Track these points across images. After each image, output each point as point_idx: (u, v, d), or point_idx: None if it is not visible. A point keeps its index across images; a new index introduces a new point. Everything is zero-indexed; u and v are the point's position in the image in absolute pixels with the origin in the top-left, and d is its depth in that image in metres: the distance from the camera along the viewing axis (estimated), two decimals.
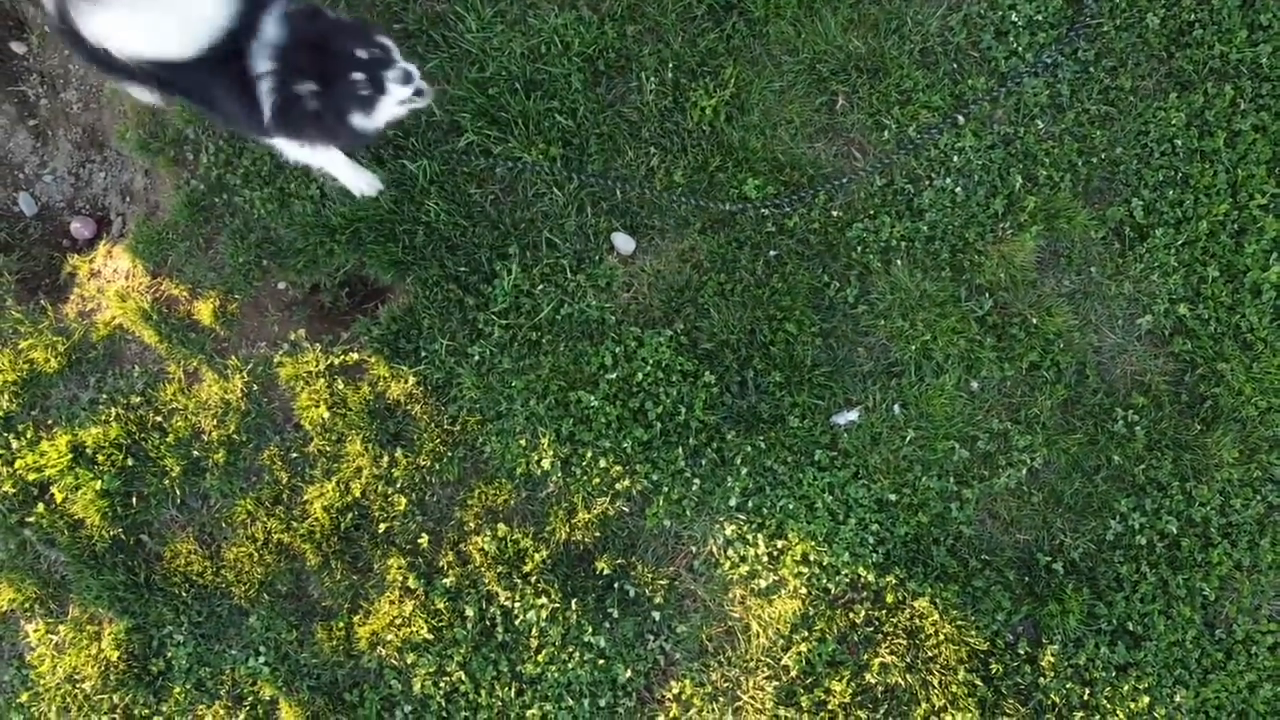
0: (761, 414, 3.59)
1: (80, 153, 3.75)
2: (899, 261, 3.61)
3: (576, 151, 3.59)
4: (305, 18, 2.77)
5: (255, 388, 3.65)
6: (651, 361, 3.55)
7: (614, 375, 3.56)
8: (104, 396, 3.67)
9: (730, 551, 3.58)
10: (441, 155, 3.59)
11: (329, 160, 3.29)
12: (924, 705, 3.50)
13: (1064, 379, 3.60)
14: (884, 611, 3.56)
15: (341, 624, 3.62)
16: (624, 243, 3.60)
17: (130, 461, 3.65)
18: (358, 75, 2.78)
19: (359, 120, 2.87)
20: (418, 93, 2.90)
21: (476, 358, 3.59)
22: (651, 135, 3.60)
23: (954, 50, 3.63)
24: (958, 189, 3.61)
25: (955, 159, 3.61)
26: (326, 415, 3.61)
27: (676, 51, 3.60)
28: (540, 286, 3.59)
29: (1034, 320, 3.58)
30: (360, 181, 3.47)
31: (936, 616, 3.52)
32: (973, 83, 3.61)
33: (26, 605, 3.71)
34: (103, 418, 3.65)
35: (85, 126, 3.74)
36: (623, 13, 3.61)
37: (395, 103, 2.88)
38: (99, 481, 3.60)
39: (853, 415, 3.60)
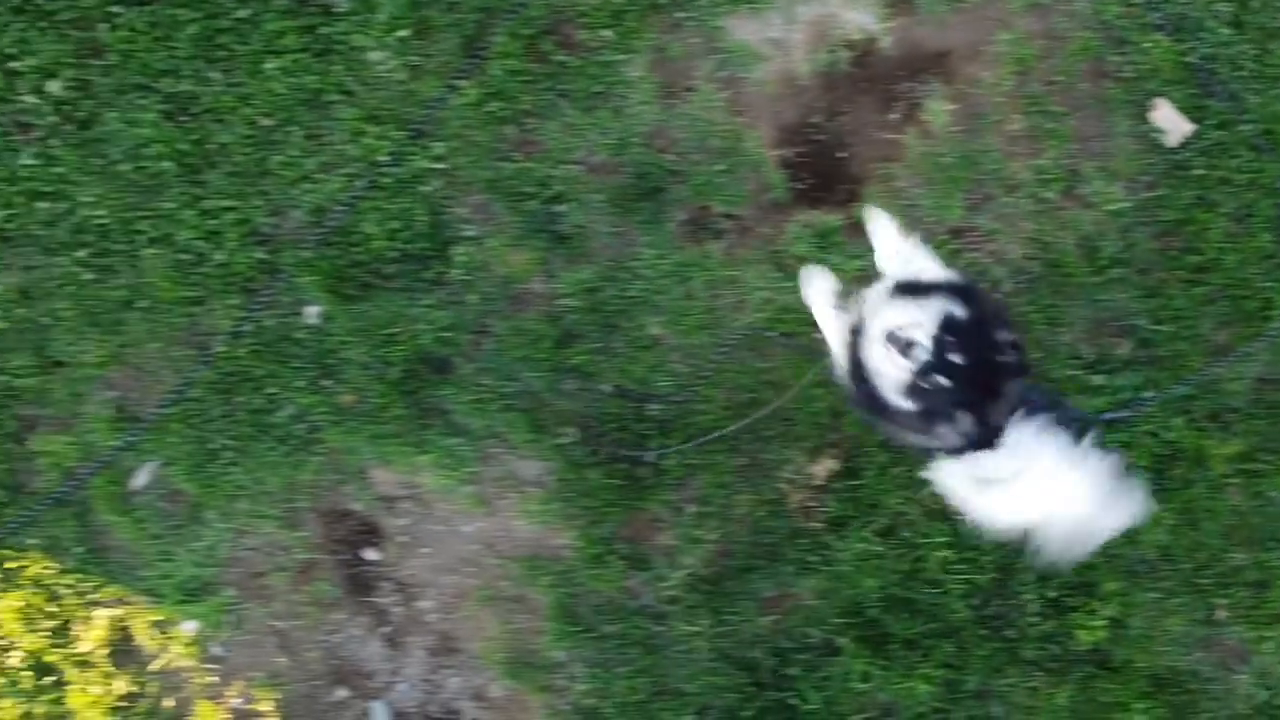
0: None
1: (434, 659, 3.68)
2: None
3: (956, 674, 3.52)
4: None
5: None
6: None
7: None
8: None
9: None
10: (821, 682, 3.52)
11: None
12: None
13: None
14: None
15: None
16: None
17: None
18: None
19: None
20: None
21: None
22: (1034, 657, 3.54)
23: None
24: None
25: None
26: None
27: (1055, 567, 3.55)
28: None
29: None
30: None
31: None
32: None
33: None
34: None
35: (440, 634, 3.67)
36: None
37: None
38: None
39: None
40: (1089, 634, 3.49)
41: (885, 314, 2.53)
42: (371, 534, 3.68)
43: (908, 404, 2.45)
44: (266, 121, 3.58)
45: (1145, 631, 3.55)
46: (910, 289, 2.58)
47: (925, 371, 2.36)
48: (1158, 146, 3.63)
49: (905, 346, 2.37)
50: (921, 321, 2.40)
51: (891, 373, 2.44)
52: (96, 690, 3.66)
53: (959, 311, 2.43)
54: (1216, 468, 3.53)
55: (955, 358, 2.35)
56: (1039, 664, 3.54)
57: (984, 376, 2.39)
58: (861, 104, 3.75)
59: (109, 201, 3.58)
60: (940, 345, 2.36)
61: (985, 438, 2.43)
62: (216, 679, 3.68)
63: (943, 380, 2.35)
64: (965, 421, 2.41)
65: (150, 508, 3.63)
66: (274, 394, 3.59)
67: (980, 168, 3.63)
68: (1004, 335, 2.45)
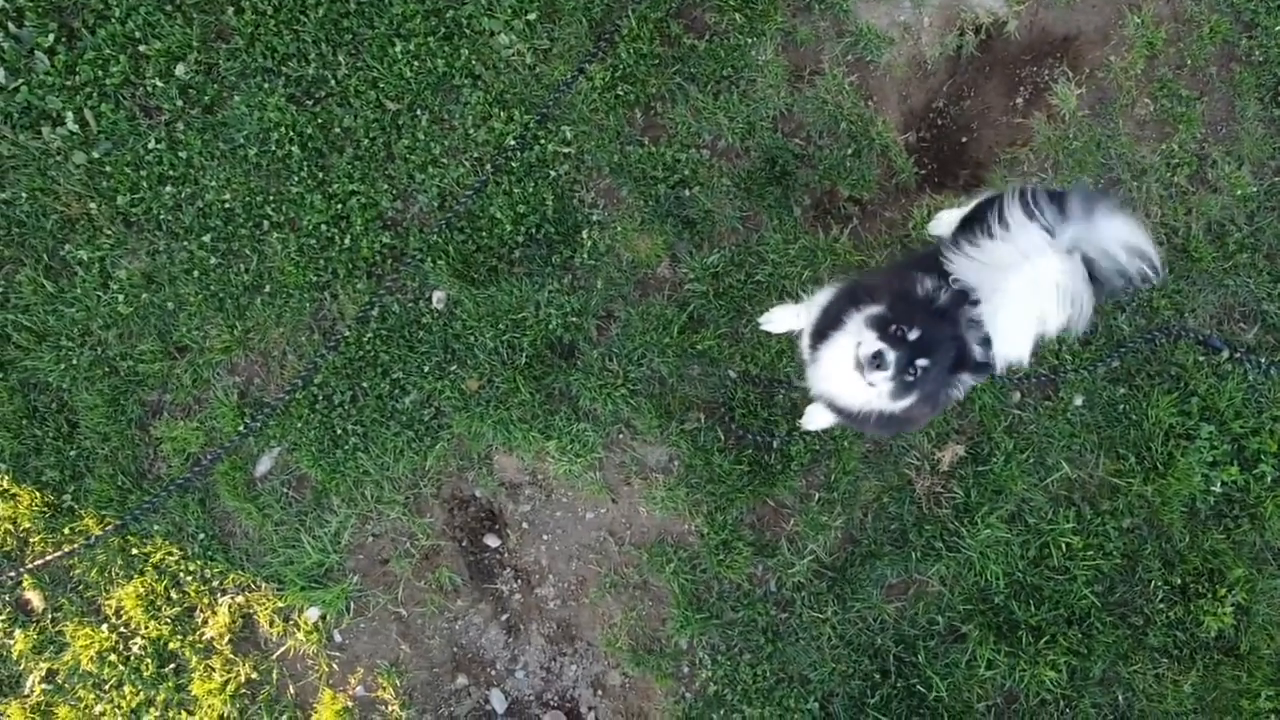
0: None
1: (552, 646, 3.66)
2: None
3: (1081, 661, 3.52)
4: None
5: None
6: None
7: None
8: None
9: None
10: (946, 669, 3.51)
11: None
12: None
13: None
14: None
15: None
16: None
17: None
18: None
19: None
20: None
21: None
22: (1160, 643, 3.53)
23: None
24: None
25: None
26: None
27: (1179, 551, 3.54)
28: None
29: None
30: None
31: None
32: None
33: None
34: None
35: (559, 621, 3.65)
36: (1122, 509, 3.54)
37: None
38: None
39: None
40: (1215, 620, 3.48)
41: (826, 362, 2.50)
42: (493, 521, 3.65)
43: (909, 400, 2.41)
44: (393, 105, 3.53)
45: (1271, 618, 3.54)
46: (818, 333, 2.55)
47: (905, 364, 2.31)
48: None
49: (874, 358, 2.30)
50: (859, 339, 2.36)
51: (880, 387, 2.37)
52: (219, 677, 3.64)
53: (872, 309, 2.39)
54: None
55: (913, 334, 2.31)
56: (1165, 651, 3.54)
57: (942, 328, 2.34)
58: (986, 88, 3.71)
59: (234, 186, 3.53)
60: (892, 337, 2.31)
61: (978, 369, 2.42)
62: (338, 666, 3.65)
63: (923, 361, 2.31)
64: (960, 373, 2.40)
65: (274, 494, 3.60)
66: (400, 379, 3.56)
67: (1108, 152, 3.60)
68: (928, 282, 2.39)
